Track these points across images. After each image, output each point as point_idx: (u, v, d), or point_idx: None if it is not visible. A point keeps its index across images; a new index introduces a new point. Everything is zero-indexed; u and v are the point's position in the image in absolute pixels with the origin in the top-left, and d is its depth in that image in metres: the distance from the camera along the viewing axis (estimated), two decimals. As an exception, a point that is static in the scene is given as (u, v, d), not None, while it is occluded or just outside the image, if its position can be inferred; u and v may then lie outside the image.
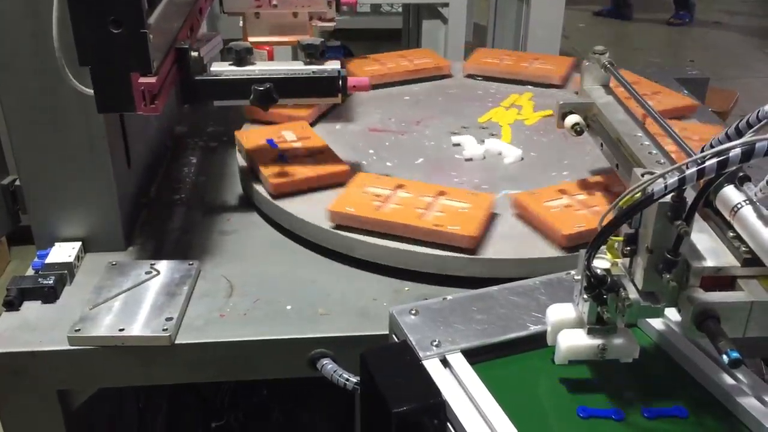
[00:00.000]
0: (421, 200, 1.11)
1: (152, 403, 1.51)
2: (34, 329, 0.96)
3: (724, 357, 0.64)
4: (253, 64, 1.14)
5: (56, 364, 0.94)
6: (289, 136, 1.31)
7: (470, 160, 1.31)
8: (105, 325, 0.95)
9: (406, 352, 0.78)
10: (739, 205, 0.70)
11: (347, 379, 0.90)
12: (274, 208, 1.17)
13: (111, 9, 0.89)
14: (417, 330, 0.80)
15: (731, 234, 0.71)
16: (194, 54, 1.09)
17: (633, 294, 0.70)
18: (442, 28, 3.10)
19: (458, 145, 1.35)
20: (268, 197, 1.17)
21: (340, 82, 1.13)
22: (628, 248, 0.71)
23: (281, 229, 1.17)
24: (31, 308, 1.00)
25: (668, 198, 0.66)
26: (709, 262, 0.69)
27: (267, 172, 1.18)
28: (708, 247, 0.71)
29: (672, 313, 0.81)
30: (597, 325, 0.73)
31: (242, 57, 1.13)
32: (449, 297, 0.86)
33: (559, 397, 0.76)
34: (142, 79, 0.93)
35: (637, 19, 6.17)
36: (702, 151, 0.69)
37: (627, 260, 0.72)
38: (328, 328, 0.97)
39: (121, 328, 0.94)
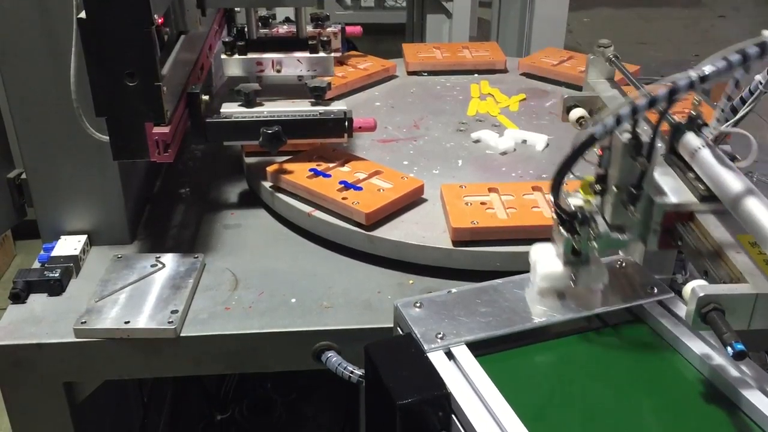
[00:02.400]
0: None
1: (156, 396, 1.52)
2: (40, 321, 0.97)
3: (729, 349, 0.64)
4: (261, 104, 1.16)
5: (62, 356, 0.95)
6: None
7: (505, 153, 1.31)
8: (111, 318, 0.95)
9: (411, 345, 0.78)
10: (697, 149, 0.79)
11: (352, 372, 0.91)
12: (278, 202, 1.17)
13: (127, 62, 0.90)
14: (421, 323, 0.80)
15: (691, 175, 0.81)
16: (205, 98, 1.11)
17: (603, 227, 0.79)
18: (446, 22, 3.10)
19: (479, 141, 1.35)
20: (272, 190, 1.17)
21: (347, 123, 1.15)
22: (599, 187, 0.80)
23: (285, 222, 1.17)
24: (38, 301, 1.01)
25: (626, 138, 0.74)
26: (671, 199, 0.78)
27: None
28: (671, 186, 0.80)
29: (679, 308, 0.81)
30: (572, 256, 0.80)
31: (251, 99, 1.15)
32: (453, 290, 0.86)
33: (564, 390, 0.76)
34: (156, 129, 0.96)
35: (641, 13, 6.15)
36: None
37: (599, 198, 0.80)
38: (332, 321, 0.97)
39: (127, 320, 0.95)
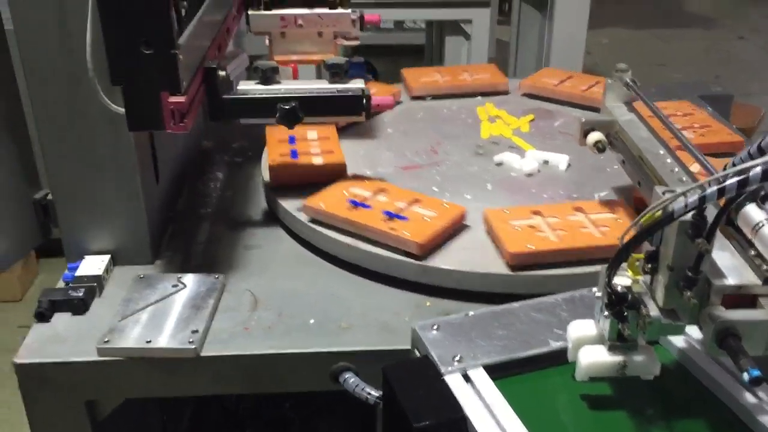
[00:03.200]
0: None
1: (175, 414, 1.53)
2: (64, 340, 0.99)
3: (745, 375, 0.64)
4: (278, 83, 1.16)
5: (85, 374, 0.96)
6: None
7: (531, 175, 1.32)
8: (133, 337, 0.97)
9: (428, 367, 0.79)
10: (760, 224, 0.70)
11: (369, 393, 0.91)
12: (297, 223, 1.19)
13: (143, 30, 0.92)
14: (439, 345, 0.81)
15: (753, 252, 0.71)
16: (222, 73, 1.11)
17: (654, 311, 0.71)
18: (464, 44, 3.12)
19: (501, 164, 1.36)
20: (292, 212, 1.19)
21: (365, 101, 1.15)
22: (649, 266, 0.71)
23: (304, 243, 1.19)
24: (62, 320, 1.03)
25: (689, 216, 0.66)
26: (731, 280, 0.69)
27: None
28: (729, 265, 0.71)
29: (694, 331, 0.81)
30: (618, 341, 0.73)
31: (268, 76, 1.15)
32: (471, 313, 0.87)
33: (580, 414, 0.77)
34: (172, 99, 0.96)
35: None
36: (724, 169, 0.69)
37: (648, 277, 0.72)
38: (350, 342, 0.98)
39: (149, 339, 0.96)
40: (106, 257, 1.12)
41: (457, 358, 0.79)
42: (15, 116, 1.14)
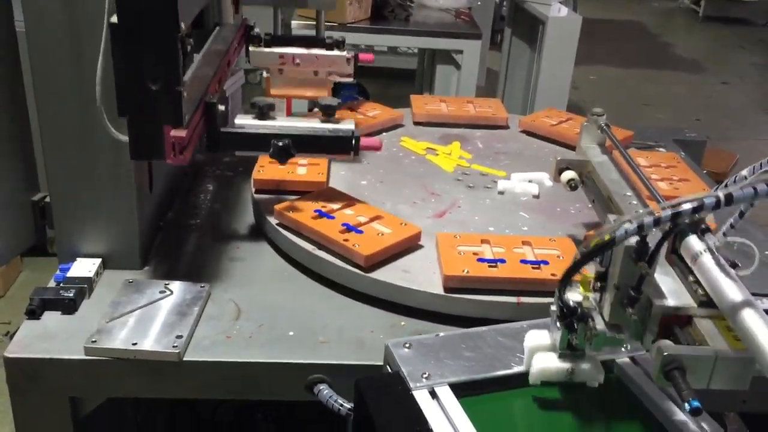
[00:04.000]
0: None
1: (150, 418, 1.56)
2: (52, 338, 1.03)
3: (686, 405, 0.70)
4: (273, 118, 1.23)
5: (71, 372, 1.01)
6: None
7: (537, 197, 1.39)
8: (119, 339, 1.01)
9: (398, 383, 0.84)
10: (699, 253, 0.78)
11: (341, 405, 0.96)
12: (282, 239, 1.24)
13: (151, 68, 0.97)
14: (409, 362, 0.86)
15: (692, 278, 0.80)
16: (221, 108, 1.18)
17: (600, 325, 0.80)
18: (455, 73, 3.19)
19: (503, 193, 1.41)
20: (278, 227, 1.24)
21: (354, 141, 1.22)
22: (599, 284, 0.81)
23: (288, 259, 1.24)
24: (51, 318, 1.07)
25: (633, 242, 0.74)
26: (670, 302, 0.78)
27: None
28: (671, 288, 0.80)
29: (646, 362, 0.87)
30: (567, 350, 0.83)
31: (264, 112, 1.22)
32: (441, 334, 0.92)
33: (537, 434, 0.82)
34: (174, 132, 1.02)
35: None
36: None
37: (597, 295, 0.81)
38: (326, 356, 1.03)
39: (134, 342, 1.01)
40: (97, 260, 1.16)
41: (426, 376, 0.84)
42: (19, 118, 1.19)
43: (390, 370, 0.88)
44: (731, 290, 0.72)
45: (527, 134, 1.73)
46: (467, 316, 1.09)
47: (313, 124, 1.24)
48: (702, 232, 0.80)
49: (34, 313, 1.06)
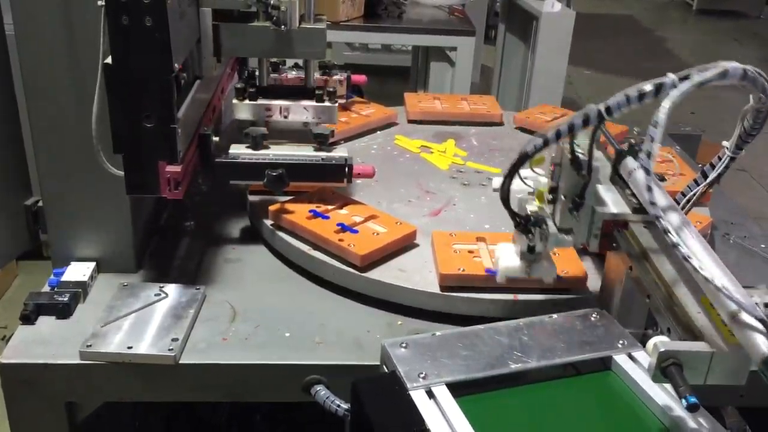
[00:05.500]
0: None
1: (149, 422, 1.56)
2: (47, 343, 1.03)
3: (683, 401, 0.70)
4: (267, 147, 1.23)
5: (67, 376, 1.00)
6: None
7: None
8: (115, 343, 1.01)
9: (395, 383, 0.84)
10: (633, 170, 0.97)
11: (339, 406, 0.96)
12: (277, 239, 1.23)
13: (146, 106, 0.98)
14: (406, 362, 0.86)
15: (628, 191, 0.99)
16: (215, 139, 1.18)
17: (552, 229, 0.97)
18: (449, 70, 3.18)
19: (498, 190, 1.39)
20: (273, 228, 1.24)
21: (347, 169, 1.22)
22: (551, 196, 0.98)
23: (284, 259, 1.23)
24: (46, 323, 1.06)
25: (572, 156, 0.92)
26: (610, 209, 0.97)
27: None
28: (612, 199, 0.99)
29: (643, 359, 0.87)
30: (528, 252, 0.99)
31: (258, 142, 1.22)
32: (438, 333, 0.92)
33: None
34: (169, 168, 1.03)
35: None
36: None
37: (551, 206, 0.98)
38: (323, 356, 1.03)
39: (130, 345, 1.00)
40: (92, 264, 1.16)
41: (423, 375, 0.84)
42: (11, 123, 1.18)
43: (387, 370, 0.88)
44: (658, 196, 0.84)
45: (522, 131, 1.73)
46: (463, 314, 1.09)
47: (307, 153, 1.24)
48: (635, 153, 0.98)
49: (28, 319, 1.06)
